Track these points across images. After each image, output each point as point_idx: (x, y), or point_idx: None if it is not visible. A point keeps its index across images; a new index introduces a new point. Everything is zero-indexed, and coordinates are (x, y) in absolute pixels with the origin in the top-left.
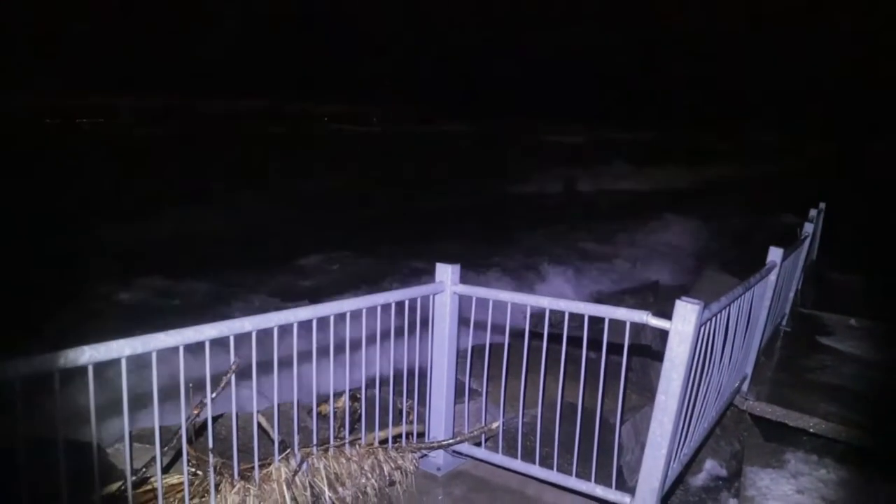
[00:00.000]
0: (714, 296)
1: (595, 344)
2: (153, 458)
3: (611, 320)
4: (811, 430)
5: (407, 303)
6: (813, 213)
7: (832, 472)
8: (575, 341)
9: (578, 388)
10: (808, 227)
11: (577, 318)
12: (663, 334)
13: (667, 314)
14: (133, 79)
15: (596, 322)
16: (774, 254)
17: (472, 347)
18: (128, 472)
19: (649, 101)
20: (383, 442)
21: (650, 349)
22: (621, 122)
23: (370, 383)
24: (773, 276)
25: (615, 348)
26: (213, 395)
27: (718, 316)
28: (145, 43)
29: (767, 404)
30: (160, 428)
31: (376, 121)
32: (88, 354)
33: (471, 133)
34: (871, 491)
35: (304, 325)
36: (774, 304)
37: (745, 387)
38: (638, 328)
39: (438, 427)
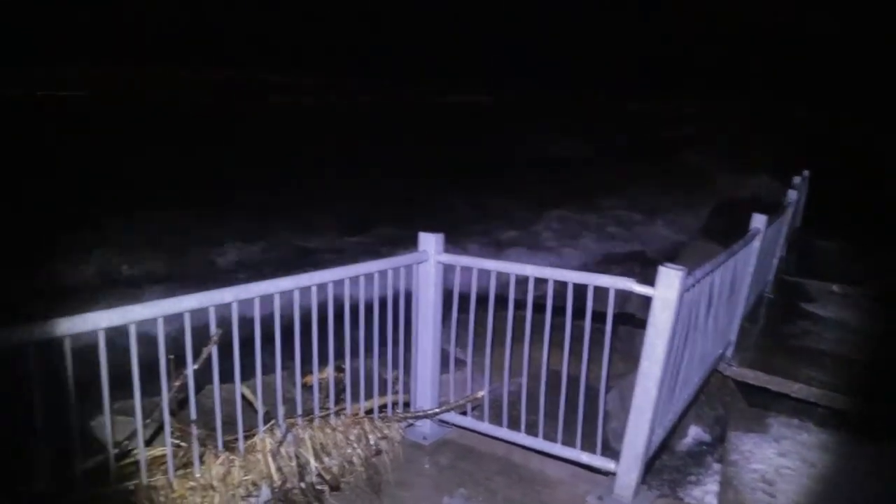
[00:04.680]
0: (700, 263)
1: (580, 312)
2: (135, 431)
3: (596, 288)
4: (793, 395)
5: (390, 272)
6: (797, 180)
7: (813, 436)
8: (561, 310)
9: (563, 356)
10: (792, 195)
11: (563, 287)
12: (648, 302)
13: (651, 281)
14: None
15: (581, 290)
16: (758, 220)
17: (458, 317)
18: (109, 445)
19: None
20: (369, 412)
21: (635, 317)
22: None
23: (355, 354)
24: (756, 243)
25: (601, 317)
26: (195, 366)
27: (702, 282)
28: None
29: (750, 370)
30: (142, 401)
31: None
32: (66, 326)
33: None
34: (851, 453)
35: (287, 296)
36: (758, 271)
37: (728, 353)
38: (624, 296)
39: (424, 397)
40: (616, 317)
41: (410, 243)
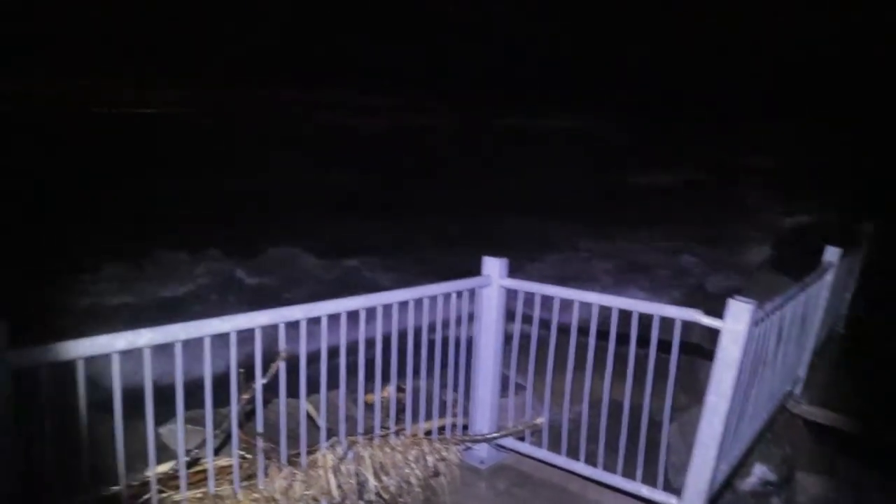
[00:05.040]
0: (767, 296)
1: (643, 341)
2: (205, 440)
3: (661, 318)
4: (864, 437)
5: (454, 295)
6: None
7: (887, 480)
8: (623, 338)
9: (625, 385)
10: (868, 227)
11: (625, 315)
12: (713, 333)
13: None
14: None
15: (645, 319)
16: (831, 254)
17: (519, 342)
18: (181, 453)
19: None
20: (428, 433)
21: (700, 348)
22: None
23: (416, 374)
24: (829, 277)
25: (664, 346)
26: (263, 380)
27: (772, 316)
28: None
29: (820, 409)
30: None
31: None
32: (147, 337)
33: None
34: None
35: (353, 316)
36: (830, 305)
37: (797, 390)
38: (687, 326)
39: (483, 420)
40: (679, 346)
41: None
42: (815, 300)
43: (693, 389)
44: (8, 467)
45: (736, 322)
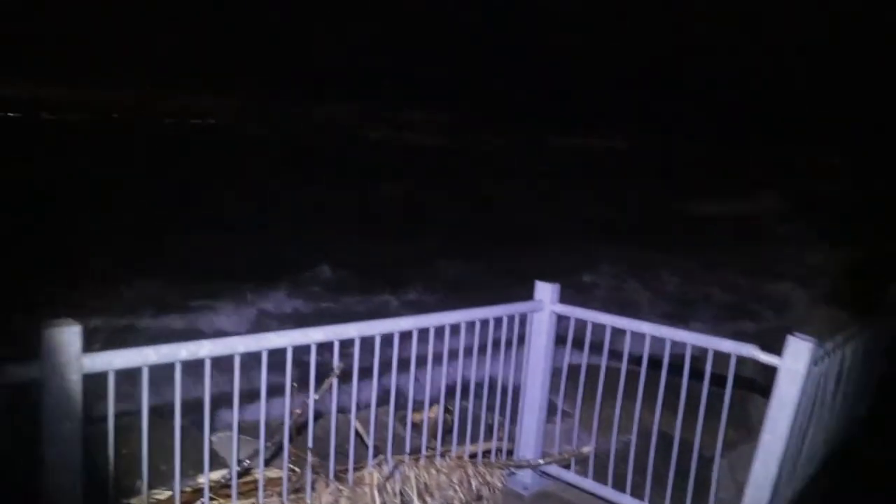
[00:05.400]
0: (828, 333)
1: (696, 373)
2: (256, 451)
3: (715, 352)
4: None
5: (505, 319)
6: None
7: None
8: (675, 369)
9: (676, 418)
10: None
11: (677, 346)
12: (767, 368)
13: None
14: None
15: (697, 351)
16: None
17: (568, 368)
18: (233, 462)
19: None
20: (473, 456)
21: (753, 382)
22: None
23: (463, 396)
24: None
25: (716, 379)
26: (316, 395)
27: (833, 355)
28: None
29: (881, 451)
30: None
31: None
32: (208, 348)
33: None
34: None
35: (404, 335)
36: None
37: (858, 431)
38: (740, 359)
39: (528, 446)
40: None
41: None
42: (878, 340)
43: (744, 425)
44: (79, 467)
45: (795, 360)
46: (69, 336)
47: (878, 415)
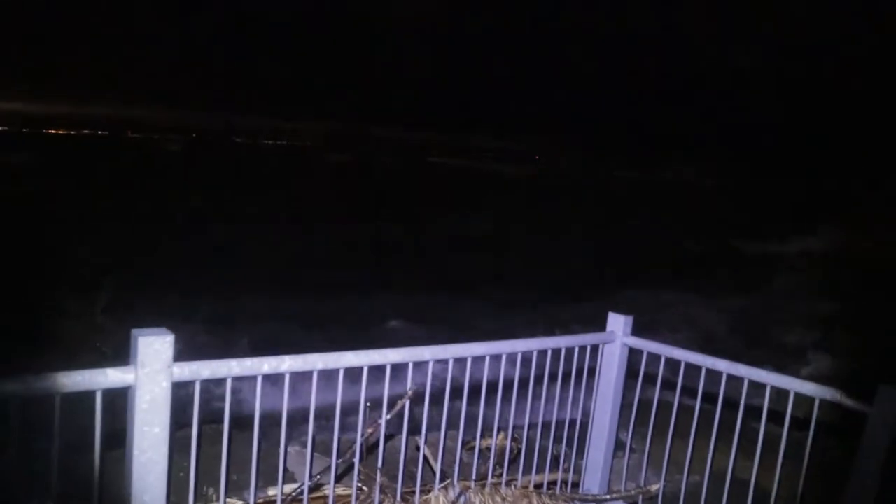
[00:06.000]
0: None
1: (774, 416)
2: (326, 468)
3: (796, 394)
4: None
5: (576, 349)
6: None
7: None
8: (753, 411)
9: (753, 462)
10: None
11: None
12: (851, 413)
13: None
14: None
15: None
16: None
17: (638, 402)
18: (306, 477)
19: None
20: (538, 486)
21: (833, 427)
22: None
23: (530, 425)
24: None
25: (797, 423)
26: (388, 416)
27: None
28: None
29: None
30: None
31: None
32: (288, 364)
33: None
34: None
35: (477, 361)
36: None
37: None
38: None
39: (594, 480)
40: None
41: None
42: None
43: (822, 473)
44: (165, 471)
45: (887, 408)
46: (162, 344)
47: None
